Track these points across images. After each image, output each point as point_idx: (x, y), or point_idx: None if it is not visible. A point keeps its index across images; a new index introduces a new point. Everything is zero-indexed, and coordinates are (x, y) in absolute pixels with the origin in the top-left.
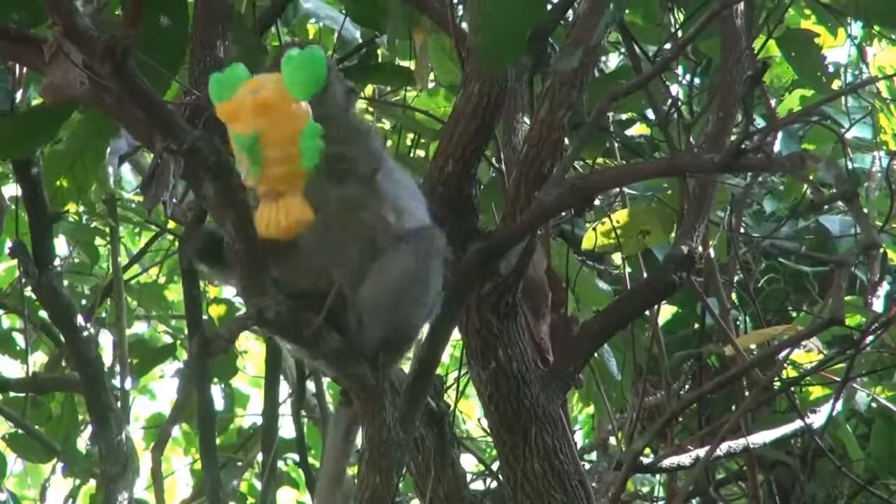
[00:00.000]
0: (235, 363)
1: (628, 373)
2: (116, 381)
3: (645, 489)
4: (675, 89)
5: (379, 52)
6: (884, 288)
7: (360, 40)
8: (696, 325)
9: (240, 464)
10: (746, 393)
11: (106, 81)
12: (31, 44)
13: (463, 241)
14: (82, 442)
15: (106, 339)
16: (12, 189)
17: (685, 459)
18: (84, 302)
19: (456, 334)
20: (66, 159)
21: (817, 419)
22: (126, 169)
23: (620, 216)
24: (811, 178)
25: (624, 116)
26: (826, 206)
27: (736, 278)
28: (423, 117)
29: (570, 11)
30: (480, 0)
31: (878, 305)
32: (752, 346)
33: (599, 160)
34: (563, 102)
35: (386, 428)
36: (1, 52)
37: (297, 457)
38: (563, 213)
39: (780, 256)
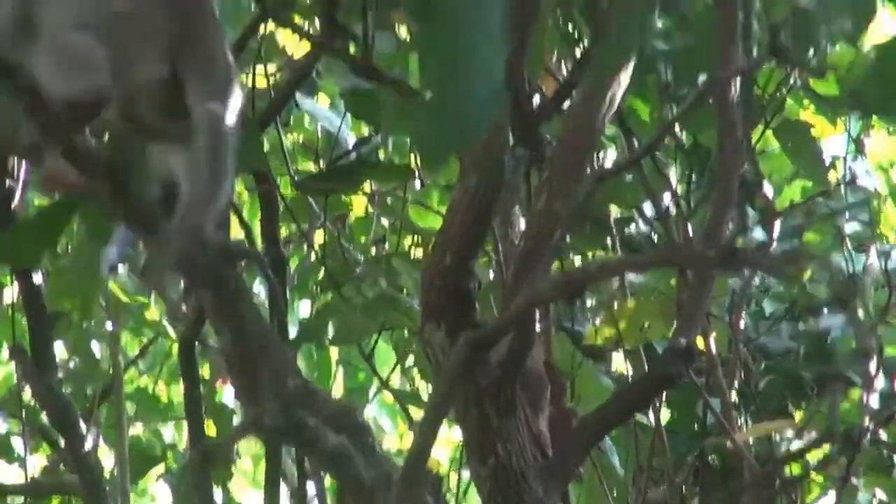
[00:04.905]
0: (232, 467)
1: (631, 467)
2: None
3: None
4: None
5: (380, 150)
6: (880, 383)
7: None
8: (696, 426)
9: None
10: None
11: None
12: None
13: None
14: None
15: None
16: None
17: None
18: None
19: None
20: (70, 275)
21: None
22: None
23: (622, 310)
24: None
25: (620, 213)
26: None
27: (737, 380)
28: (421, 217)
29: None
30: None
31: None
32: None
33: (600, 254)
34: (561, 194)
35: None
36: None
37: None
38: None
39: (779, 357)
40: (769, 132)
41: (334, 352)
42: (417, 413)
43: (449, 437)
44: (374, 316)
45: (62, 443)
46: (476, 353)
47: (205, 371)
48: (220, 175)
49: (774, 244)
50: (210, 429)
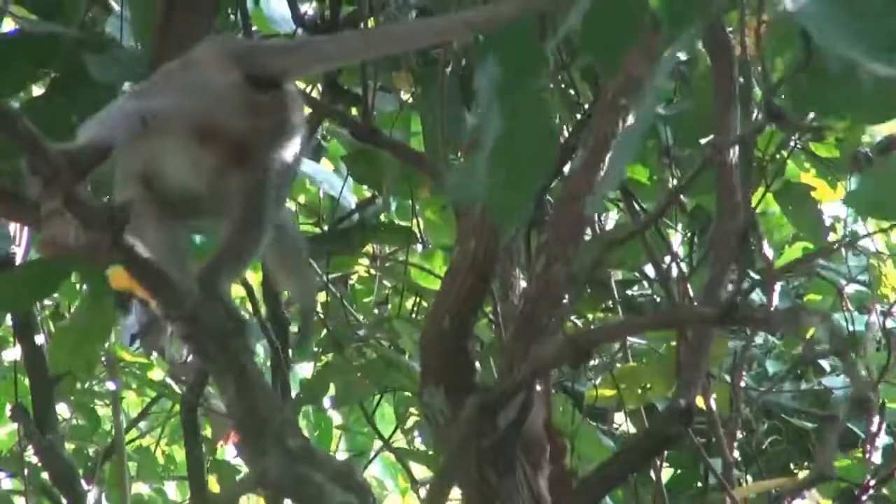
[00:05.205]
0: None
1: None
2: None
3: None
4: (675, 244)
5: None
6: (882, 440)
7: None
8: (699, 484)
9: None
10: None
11: (104, 250)
12: (27, 201)
13: (462, 397)
14: None
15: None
16: (10, 354)
17: None
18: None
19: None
20: (73, 335)
21: None
22: None
23: (623, 371)
24: (809, 335)
25: (620, 276)
26: (828, 366)
27: (739, 436)
28: (423, 277)
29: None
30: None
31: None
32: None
33: (601, 316)
34: (560, 257)
35: None
36: None
37: None
38: (566, 369)
39: (782, 415)
40: (770, 194)
41: (335, 415)
42: (418, 470)
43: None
44: (375, 378)
45: (64, 502)
46: (484, 418)
47: (206, 429)
48: (253, 242)
49: (775, 305)
50: (213, 485)
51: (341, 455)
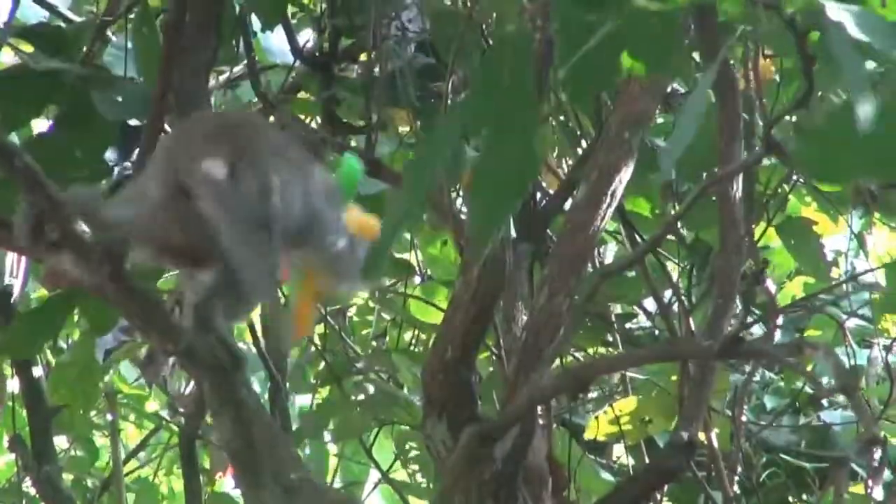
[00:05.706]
0: None
1: None
2: None
3: None
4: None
5: None
6: (884, 476)
7: None
8: None
9: None
10: None
11: (102, 284)
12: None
13: (463, 428)
14: None
15: None
16: (9, 385)
17: None
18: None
19: None
20: (73, 369)
21: None
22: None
23: (623, 405)
24: (809, 369)
25: (620, 309)
26: (826, 401)
27: (738, 470)
28: (421, 310)
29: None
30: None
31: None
32: None
33: (601, 350)
34: (562, 289)
35: None
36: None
37: None
38: (564, 401)
39: (780, 451)
40: (771, 229)
41: (330, 444)
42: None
43: None
44: (374, 412)
45: None
46: (481, 447)
47: (205, 461)
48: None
49: (776, 339)
50: None
51: (336, 484)
